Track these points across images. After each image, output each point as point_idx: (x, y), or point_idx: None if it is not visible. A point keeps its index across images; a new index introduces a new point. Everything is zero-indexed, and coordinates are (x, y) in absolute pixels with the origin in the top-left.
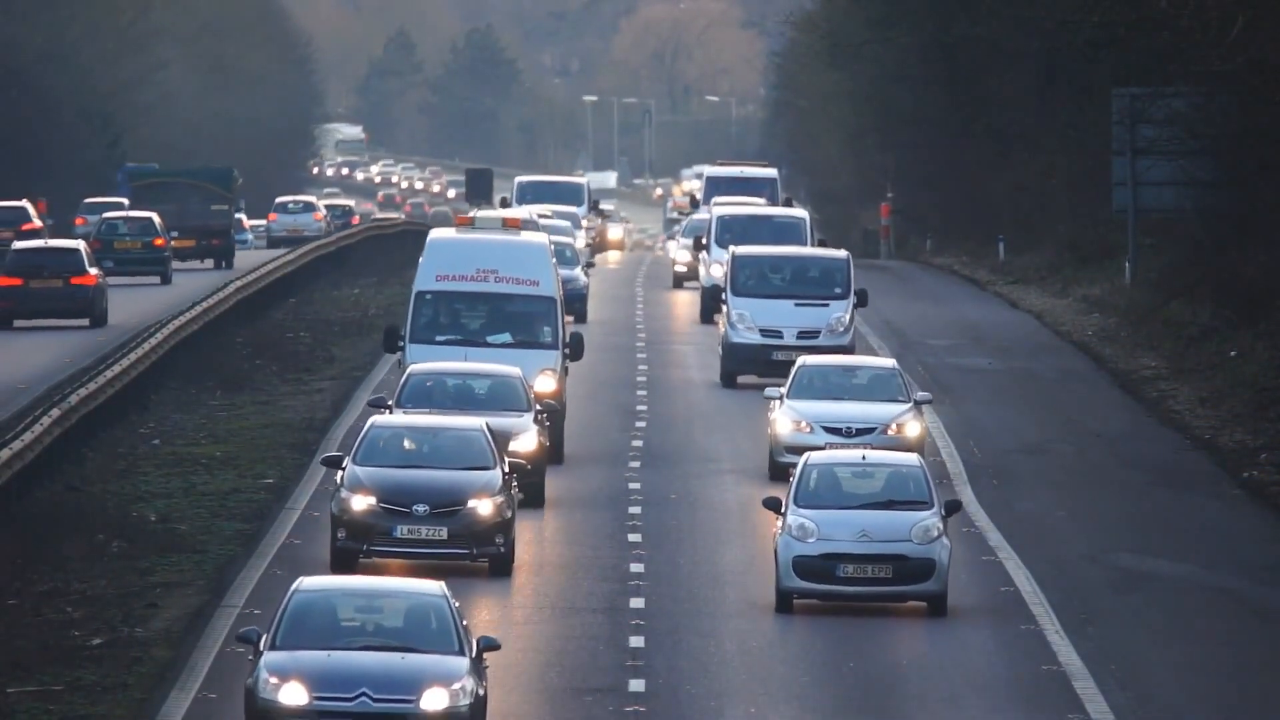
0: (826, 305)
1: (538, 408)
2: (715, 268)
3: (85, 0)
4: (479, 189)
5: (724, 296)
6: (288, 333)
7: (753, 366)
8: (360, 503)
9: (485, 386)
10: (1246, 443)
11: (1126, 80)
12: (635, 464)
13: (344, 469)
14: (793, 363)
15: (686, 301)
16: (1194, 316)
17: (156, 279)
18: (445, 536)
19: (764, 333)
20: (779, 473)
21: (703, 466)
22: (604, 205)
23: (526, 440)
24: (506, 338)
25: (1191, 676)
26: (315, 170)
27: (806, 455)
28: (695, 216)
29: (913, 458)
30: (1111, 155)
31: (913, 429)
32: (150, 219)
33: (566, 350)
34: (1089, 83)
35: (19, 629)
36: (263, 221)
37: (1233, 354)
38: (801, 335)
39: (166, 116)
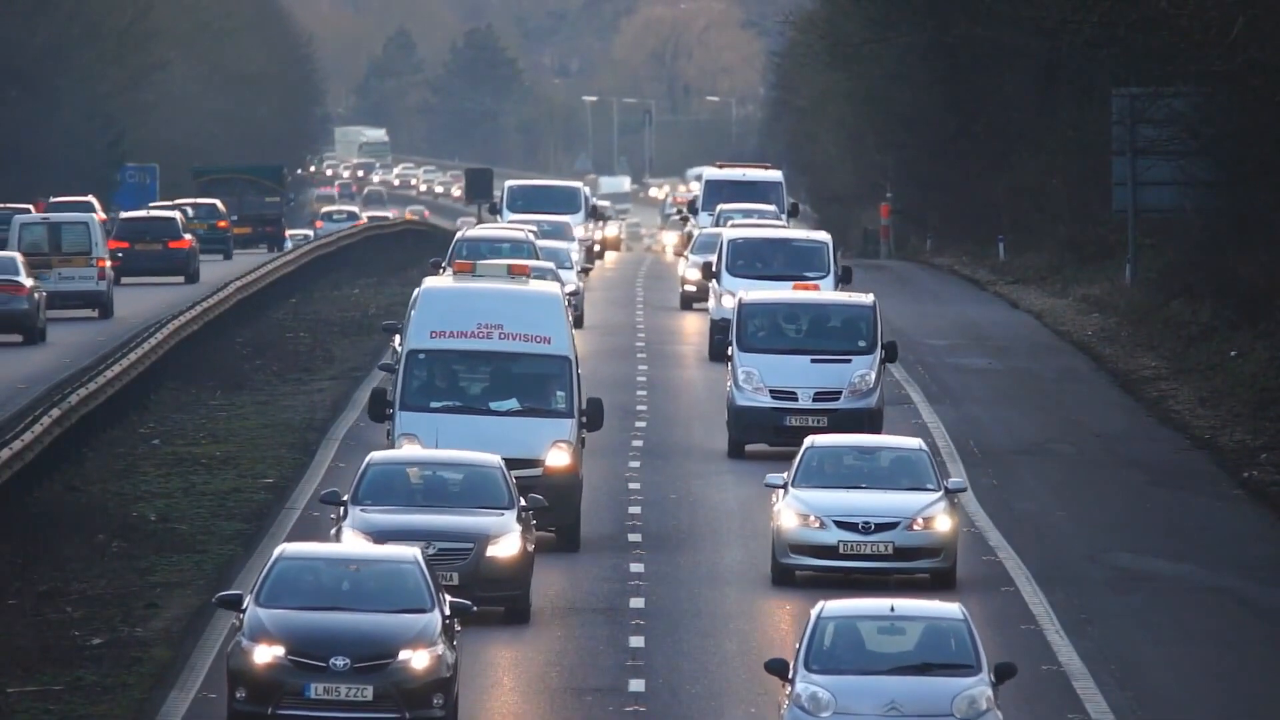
0: (849, 361)
1: (522, 503)
2: (726, 299)
3: (85, 0)
4: (479, 189)
5: (730, 351)
6: (288, 333)
7: (763, 433)
8: (264, 654)
9: (459, 478)
10: (1246, 443)
11: (1126, 80)
12: (635, 464)
13: (244, 610)
14: (809, 430)
15: (696, 336)
16: (1194, 316)
17: (220, 255)
18: (370, 697)
19: (775, 394)
20: (783, 576)
21: (703, 466)
22: (602, 204)
23: (507, 544)
24: (513, 404)
25: (1191, 676)
26: (330, 172)
27: (820, 605)
28: (706, 230)
29: (954, 608)
30: (1111, 155)
31: (943, 523)
32: (214, 204)
33: (583, 419)
34: (1089, 83)
35: (19, 629)
36: (305, 231)
37: (1233, 354)
38: (819, 396)
39: (166, 116)
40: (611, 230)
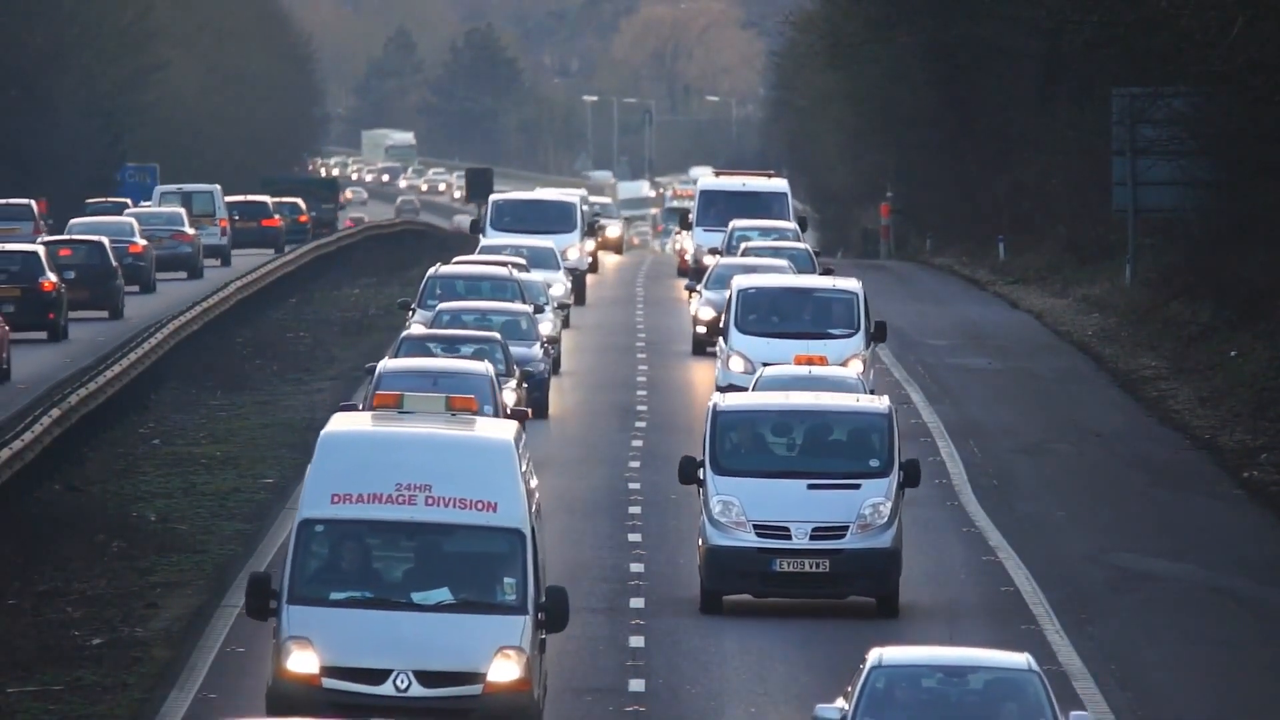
0: (857, 486)
1: None
2: (735, 360)
3: (85, 0)
4: (479, 189)
5: (701, 473)
6: (288, 333)
7: (745, 581)
8: None
9: None
10: (1246, 443)
11: (1126, 80)
12: (635, 464)
13: None
14: (804, 576)
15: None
16: (1194, 316)
17: (299, 243)
18: None
19: (761, 531)
20: None
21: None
22: (597, 202)
23: None
24: (444, 596)
25: (1192, 676)
26: (355, 176)
27: None
28: (724, 262)
29: None
30: (1111, 155)
31: None
32: (296, 203)
33: (541, 616)
34: (1089, 83)
35: (19, 629)
36: None
37: (1233, 354)
38: (818, 534)
39: (166, 116)
40: (613, 231)
